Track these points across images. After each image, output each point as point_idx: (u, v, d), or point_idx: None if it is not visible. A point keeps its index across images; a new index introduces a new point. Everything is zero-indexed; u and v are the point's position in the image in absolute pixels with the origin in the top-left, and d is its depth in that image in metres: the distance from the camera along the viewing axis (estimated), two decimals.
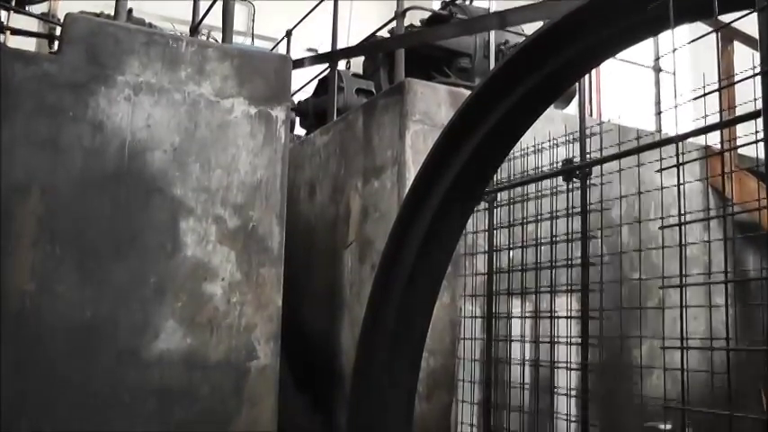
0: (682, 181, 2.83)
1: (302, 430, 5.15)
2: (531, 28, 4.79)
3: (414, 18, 6.91)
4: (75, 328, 2.99)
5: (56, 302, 2.96)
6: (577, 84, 4.54)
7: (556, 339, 4.46)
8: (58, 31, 6.06)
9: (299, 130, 8.54)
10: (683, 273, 2.70)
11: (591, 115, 7.74)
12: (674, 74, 2.92)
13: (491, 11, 6.70)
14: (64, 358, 2.97)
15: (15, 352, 2.87)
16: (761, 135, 2.45)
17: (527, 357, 4.81)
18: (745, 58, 3.16)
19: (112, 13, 3.99)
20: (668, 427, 3.46)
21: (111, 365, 3.04)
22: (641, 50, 7.64)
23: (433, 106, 4.90)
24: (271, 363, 3.43)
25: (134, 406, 3.06)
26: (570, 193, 4.33)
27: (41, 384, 2.93)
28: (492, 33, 6.35)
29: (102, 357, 3.03)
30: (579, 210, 4.26)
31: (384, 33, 6.98)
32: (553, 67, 2.35)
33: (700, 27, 2.74)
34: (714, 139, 3.46)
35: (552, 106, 4.38)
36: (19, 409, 2.87)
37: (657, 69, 7.51)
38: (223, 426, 3.24)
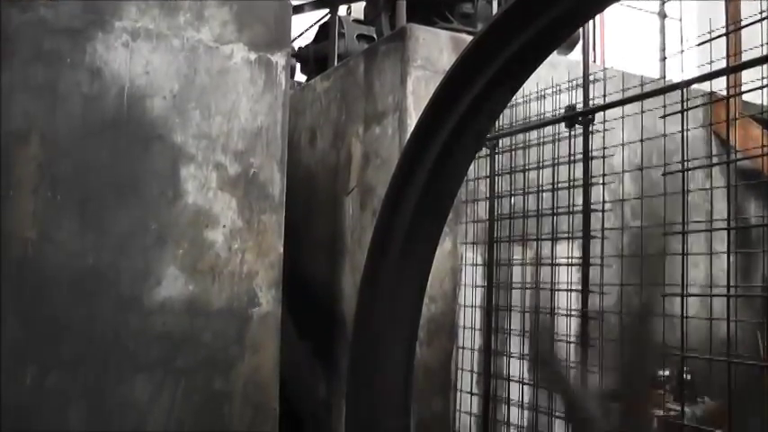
0: (686, 127, 2.81)
1: (304, 377, 5.21)
2: None
3: None
4: (77, 275, 2.99)
5: (57, 250, 2.96)
6: (581, 30, 4.48)
7: (556, 286, 4.48)
8: None
9: (300, 77, 8.47)
10: (685, 220, 2.70)
11: (594, 62, 7.67)
12: (681, 20, 2.88)
13: None
14: (67, 305, 2.98)
15: (18, 300, 2.89)
16: (767, 81, 2.42)
17: (527, 304, 4.84)
18: (752, 5, 3.12)
19: None
20: (666, 373, 3.50)
21: (113, 313, 3.06)
22: None
23: (435, 52, 4.85)
24: (272, 310, 3.45)
25: (137, 353, 3.09)
26: (572, 140, 4.30)
27: (45, 332, 2.94)
28: None
29: (104, 305, 3.04)
30: (581, 157, 4.24)
31: None
32: (558, 13, 2.31)
33: None
34: (719, 85, 3.43)
35: (555, 52, 4.33)
36: (24, 357, 2.90)
37: (663, 15, 7.42)
38: (226, 373, 3.27)
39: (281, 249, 3.51)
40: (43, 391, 2.93)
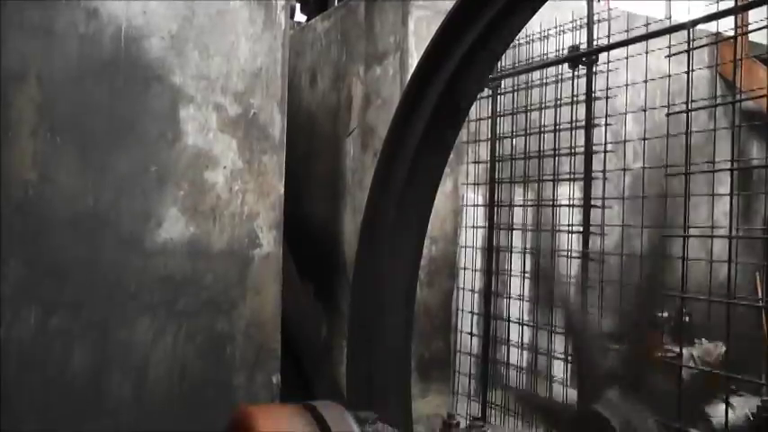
0: (691, 68, 2.78)
1: (305, 317, 5.24)
2: None
3: None
4: (77, 216, 2.99)
5: (57, 191, 2.95)
6: None
7: (557, 228, 4.49)
8: None
9: (300, 17, 8.35)
10: (688, 161, 2.69)
11: (599, 1, 7.55)
12: None
13: None
14: (68, 247, 2.99)
15: (20, 241, 2.89)
16: None
17: (528, 246, 4.85)
18: None
19: None
20: (665, 314, 3.52)
21: (115, 254, 3.06)
22: None
23: None
24: (274, 250, 3.45)
25: (140, 294, 3.10)
26: (575, 81, 4.26)
27: (48, 272, 2.96)
28: None
29: (105, 246, 3.05)
30: (584, 98, 4.21)
31: None
32: None
33: None
34: (725, 25, 3.38)
35: None
36: (28, 297, 2.91)
37: None
38: (227, 314, 3.29)
39: (282, 190, 3.50)
40: (48, 332, 2.95)
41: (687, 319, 2.82)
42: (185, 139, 3.26)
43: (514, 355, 4.85)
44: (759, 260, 3.15)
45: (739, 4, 3.22)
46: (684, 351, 2.80)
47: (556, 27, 4.54)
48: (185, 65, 3.26)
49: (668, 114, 3.10)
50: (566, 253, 4.43)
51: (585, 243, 4.19)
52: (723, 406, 2.87)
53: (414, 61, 4.71)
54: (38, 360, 2.94)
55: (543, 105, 4.58)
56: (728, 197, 2.85)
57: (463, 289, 5.43)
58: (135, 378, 3.09)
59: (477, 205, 5.30)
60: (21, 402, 2.90)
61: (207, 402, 3.21)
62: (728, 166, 2.83)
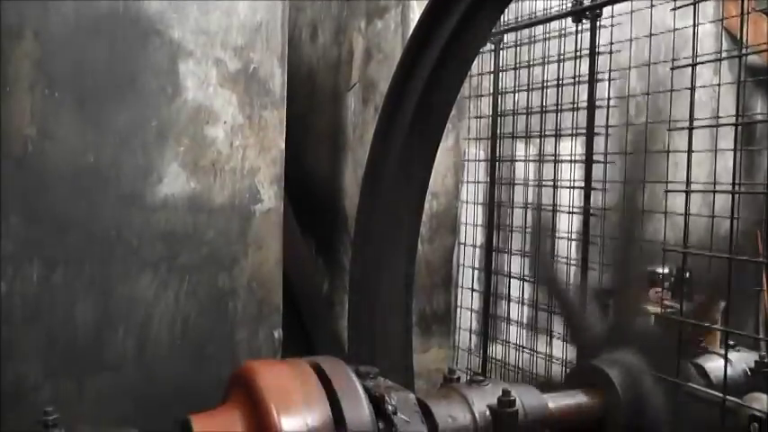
0: (697, 22, 2.74)
1: (307, 273, 5.27)
2: None
3: None
4: (78, 172, 2.98)
5: (57, 147, 2.94)
6: None
7: (559, 183, 4.48)
8: None
9: None
10: (692, 116, 2.67)
11: None
12: None
13: None
14: (69, 202, 2.98)
15: (21, 196, 2.89)
16: None
17: (529, 201, 4.85)
18: None
19: None
20: (666, 270, 3.52)
21: (116, 209, 3.06)
22: None
23: None
24: (275, 206, 3.45)
25: (141, 250, 3.11)
26: (579, 35, 4.22)
27: (49, 228, 2.96)
28: None
29: (106, 201, 3.05)
30: (587, 52, 4.17)
31: None
32: None
33: None
34: None
35: None
36: (30, 253, 2.92)
37: None
38: (229, 269, 3.30)
39: (283, 146, 3.48)
40: (50, 287, 2.97)
41: (687, 275, 2.82)
42: (185, 94, 3.24)
43: (515, 311, 4.88)
44: (760, 216, 3.14)
45: None
46: (684, 307, 2.80)
47: None
48: (184, 19, 3.23)
49: (672, 68, 3.07)
50: (567, 208, 4.43)
51: (587, 198, 4.18)
52: (721, 361, 2.88)
53: (415, 16, 4.66)
54: (41, 315, 2.95)
55: (546, 60, 4.54)
56: (731, 152, 2.84)
57: (464, 244, 5.44)
58: (137, 333, 3.11)
59: (479, 160, 5.28)
60: (25, 356, 2.92)
61: (209, 357, 3.24)
62: (733, 121, 2.81)
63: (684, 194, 2.65)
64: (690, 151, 2.65)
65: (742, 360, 2.97)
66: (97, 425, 1.96)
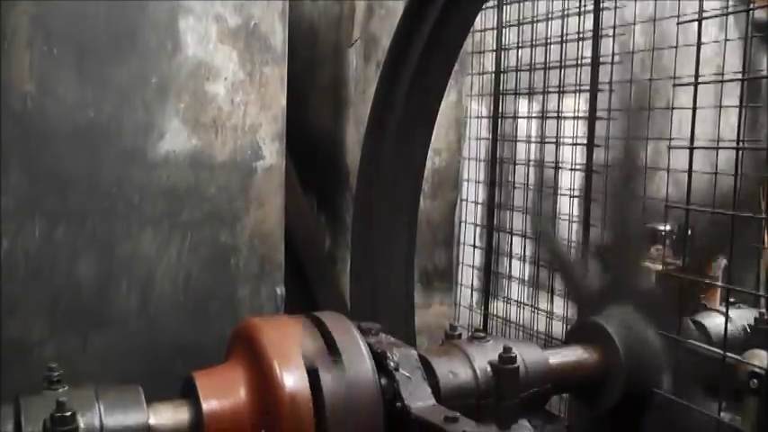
0: None
1: (309, 229, 5.27)
2: None
3: None
4: (79, 128, 2.97)
5: (57, 103, 2.92)
6: None
7: (561, 140, 4.46)
8: None
9: None
10: (698, 72, 2.64)
11: None
12: None
13: None
14: (70, 158, 2.98)
15: (22, 153, 2.88)
16: None
17: (532, 158, 4.83)
18: None
19: None
20: (667, 227, 3.52)
21: (117, 166, 3.05)
22: None
23: None
24: (276, 162, 3.44)
25: (143, 206, 3.11)
26: None
27: (51, 184, 2.95)
28: None
29: (108, 158, 3.04)
30: (591, 9, 4.12)
31: None
32: None
33: None
34: None
35: None
36: (32, 209, 2.92)
37: None
38: (231, 226, 3.30)
39: (284, 102, 3.46)
40: (52, 243, 2.97)
41: (689, 232, 2.81)
42: (185, 50, 3.21)
43: (517, 268, 4.89)
44: (761, 172, 3.12)
45: None
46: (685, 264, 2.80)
47: None
48: None
49: (678, 24, 3.04)
50: (569, 165, 4.42)
51: (590, 155, 4.17)
52: (720, 318, 2.90)
53: None
54: (44, 271, 2.96)
55: (550, 16, 4.50)
56: (735, 109, 2.82)
57: (466, 201, 5.44)
58: (140, 290, 3.12)
59: (481, 117, 5.26)
60: (29, 312, 2.94)
61: (212, 314, 3.26)
62: (738, 77, 2.78)
63: (688, 151, 2.64)
64: (694, 108, 2.63)
65: (742, 317, 2.98)
66: (101, 381, 1.97)
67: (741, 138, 2.60)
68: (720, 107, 3.13)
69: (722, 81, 3.00)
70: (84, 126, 2.99)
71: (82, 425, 1.73)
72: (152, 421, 1.89)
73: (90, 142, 3.01)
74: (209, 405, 1.97)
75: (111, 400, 1.85)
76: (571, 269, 3.30)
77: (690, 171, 2.64)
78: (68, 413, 1.68)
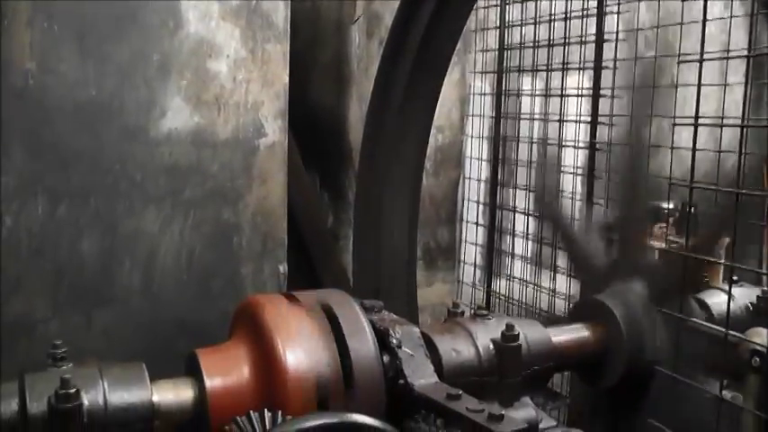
0: None
1: (312, 207, 5.27)
2: None
3: None
4: (80, 105, 2.96)
5: (58, 80, 2.91)
6: None
7: (565, 118, 4.45)
8: None
9: None
10: (703, 49, 2.63)
11: None
12: None
13: None
14: (72, 136, 2.97)
15: (24, 131, 2.87)
16: None
17: (535, 135, 4.82)
18: None
19: None
20: (671, 205, 3.51)
21: (119, 143, 3.05)
22: None
23: None
24: (279, 139, 3.43)
25: (145, 184, 3.11)
26: None
27: (53, 162, 2.95)
28: None
29: (110, 136, 3.03)
30: None
31: None
32: None
33: None
34: None
35: None
36: (34, 187, 2.92)
37: None
38: (234, 203, 3.30)
39: (287, 80, 3.45)
40: (55, 221, 2.97)
41: (692, 210, 2.81)
42: (187, 27, 3.19)
43: (519, 245, 4.90)
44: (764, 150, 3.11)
45: None
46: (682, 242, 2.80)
47: None
48: None
49: (683, 0, 3.01)
50: (573, 143, 4.41)
51: (593, 133, 4.16)
52: (723, 296, 2.90)
53: None
54: (47, 249, 2.97)
55: None
56: (740, 87, 2.80)
57: (469, 178, 5.43)
58: (143, 267, 3.13)
59: (484, 94, 5.24)
60: (33, 289, 2.95)
61: (215, 291, 3.27)
62: (744, 54, 2.77)
63: (692, 128, 2.63)
64: (699, 85, 2.62)
65: (744, 295, 2.98)
66: (104, 358, 1.97)
67: (746, 115, 2.59)
68: (725, 85, 3.11)
69: (727, 58, 2.98)
70: (86, 103, 2.98)
71: (86, 402, 1.74)
72: (155, 398, 1.90)
73: (92, 120, 3.01)
74: (212, 382, 1.98)
75: (114, 378, 1.86)
76: (576, 246, 3.30)
77: (694, 148, 2.63)
78: (72, 390, 1.69)
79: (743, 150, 2.49)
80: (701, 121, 2.62)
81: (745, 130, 2.51)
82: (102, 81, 3.00)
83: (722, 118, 3.02)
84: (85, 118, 2.99)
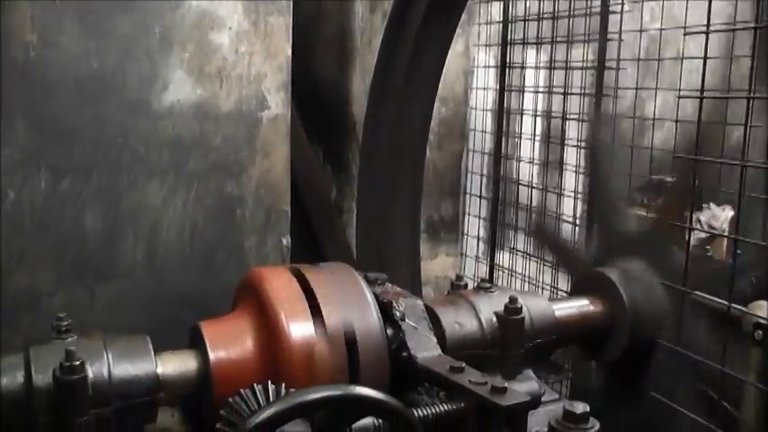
0: None
1: (315, 180, 5.27)
2: None
3: None
4: (82, 78, 2.94)
5: (60, 53, 2.89)
6: None
7: (569, 90, 4.43)
8: None
9: None
10: (709, 20, 2.61)
11: None
12: None
13: None
14: (74, 108, 2.95)
15: (25, 103, 2.86)
16: None
17: (539, 108, 4.80)
18: None
19: None
20: (674, 178, 3.50)
21: (122, 117, 3.03)
22: None
23: None
24: (282, 112, 3.42)
25: (148, 156, 3.09)
26: None
27: (55, 135, 2.94)
28: None
29: (112, 108, 3.01)
30: None
31: None
32: None
33: None
34: None
35: None
36: (37, 160, 2.91)
37: None
38: (237, 176, 3.29)
39: (289, 52, 3.42)
40: (59, 195, 2.97)
41: (696, 182, 2.80)
42: None
43: (523, 219, 4.90)
44: None
45: None
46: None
47: None
48: None
49: None
50: (577, 116, 4.39)
51: (598, 106, 4.14)
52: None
53: None
54: (50, 223, 2.96)
55: None
56: (746, 59, 2.78)
57: (473, 151, 5.42)
58: (147, 241, 3.13)
59: (489, 66, 5.22)
60: (36, 263, 2.95)
61: (218, 264, 3.26)
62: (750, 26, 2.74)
63: (698, 101, 2.61)
64: (705, 57, 2.60)
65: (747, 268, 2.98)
66: (108, 331, 1.98)
67: (752, 87, 2.57)
68: (732, 57, 3.09)
69: (734, 30, 2.95)
70: (88, 77, 2.96)
71: (90, 374, 1.75)
72: (160, 370, 1.91)
73: (94, 93, 2.99)
74: (216, 355, 1.99)
75: (119, 350, 1.87)
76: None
77: (699, 121, 2.61)
78: (77, 362, 1.70)
79: (749, 122, 2.47)
80: (706, 93, 2.60)
81: (751, 101, 2.50)
82: (104, 54, 2.98)
83: (728, 90, 3.01)
84: (87, 91, 2.97)
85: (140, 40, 3.03)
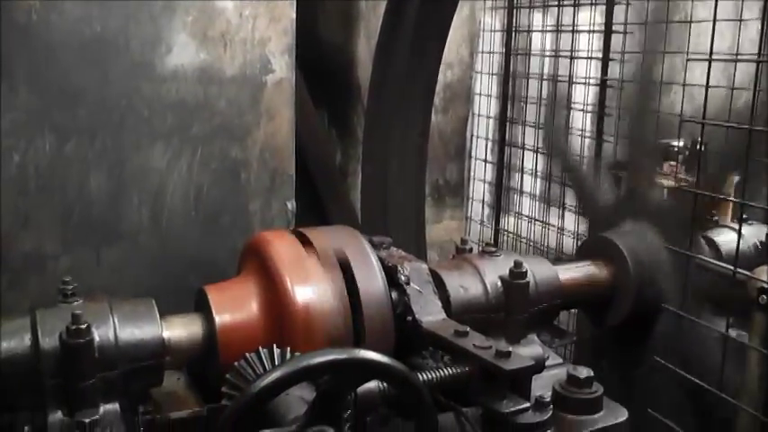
0: None
1: (320, 143, 5.25)
2: None
3: None
4: (85, 42, 2.92)
5: (62, 17, 2.86)
6: None
7: (576, 54, 4.39)
8: None
9: None
10: None
11: None
12: None
13: None
14: (77, 71, 2.94)
15: (29, 68, 2.85)
16: None
17: (545, 72, 4.76)
18: None
19: None
20: (681, 143, 3.49)
21: (126, 80, 3.02)
22: None
23: None
24: (286, 75, 3.39)
25: (153, 120, 3.08)
26: None
27: (59, 99, 2.93)
28: None
29: (116, 71, 3.00)
30: None
31: None
32: None
33: None
34: None
35: None
36: (41, 124, 2.90)
37: None
38: (242, 139, 3.28)
39: (293, 15, 3.39)
40: (63, 158, 2.96)
41: (703, 148, 2.79)
42: None
43: (528, 183, 4.88)
44: None
45: None
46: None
47: None
48: None
49: None
50: (584, 80, 4.36)
51: (605, 70, 4.11)
52: (732, 234, 2.89)
53: None
54: (55, 185, 2.96)
55: None
56: (755, 22, 2.76)
57: (478, 115, 5.40)
58: (151, 204, 3.13)
59: (494, 30, 5.17)
60: (42, 226, 2.95)
61: (223, 228, 3.27)
62: None
63: (707, 65, 2.59)
64: (714, 20, 2.57)
65: (754, 234, 2.97)
66: (114, 295, 1.99)
67: (761, 51, 2.54)
68: (740, 21, 3.06)
69: None
70: (91, 40, 2.94)
71: (97, 337, 1.76)
72: (166, 334, 1.92)
73: (97, 56, 2.97)
74: (221, 318, 2.00)
75: (125, 314, 1.88)
76: (585, 183, 3.29)
77: (707, 85, 2.59)
78: (83, 325, 1.71)
79: (758, 86, 2.45)
80: (714, 57, 2.58)
81: (760, 65, 2.47)
82: (107, 17, 2.96)
83: (737, 54, 2.98)
84: (91, 54, 2.95)
85: (144, 2, 3.01)
